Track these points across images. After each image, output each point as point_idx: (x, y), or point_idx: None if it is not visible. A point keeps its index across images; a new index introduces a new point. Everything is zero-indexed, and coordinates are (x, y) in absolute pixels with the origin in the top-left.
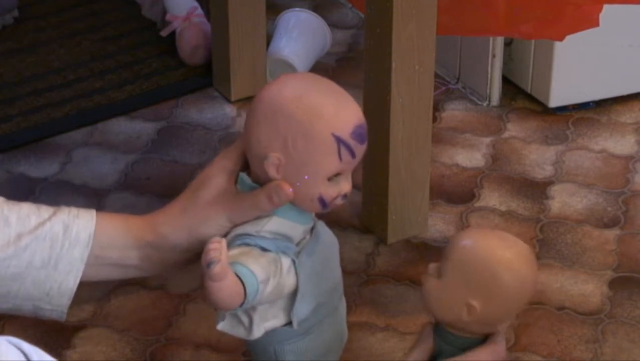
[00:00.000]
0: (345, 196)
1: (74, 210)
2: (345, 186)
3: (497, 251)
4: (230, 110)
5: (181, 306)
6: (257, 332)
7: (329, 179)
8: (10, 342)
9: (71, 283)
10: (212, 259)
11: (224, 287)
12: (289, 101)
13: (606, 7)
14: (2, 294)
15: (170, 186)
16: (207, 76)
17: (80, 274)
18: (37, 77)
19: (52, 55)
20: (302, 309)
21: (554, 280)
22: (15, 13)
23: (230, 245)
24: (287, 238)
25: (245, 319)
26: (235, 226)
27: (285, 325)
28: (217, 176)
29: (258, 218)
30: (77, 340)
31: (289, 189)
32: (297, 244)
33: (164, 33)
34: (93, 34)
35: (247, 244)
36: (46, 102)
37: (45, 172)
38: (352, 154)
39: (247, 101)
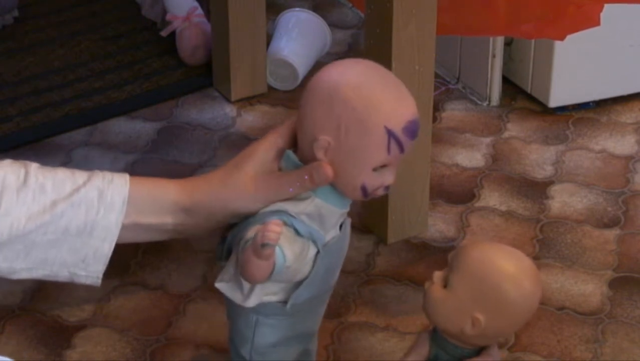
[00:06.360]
0: (387, 187)
1: (107, 175)
2: (389, 177)
3: (505, 267)
4: (230, 110)
5: (181, 306)
6: (253, 302)
7: (374, 169)
8: None
9: (106, 249)
10: (270, 241)
11: (264, 266)
12: (348, 87)
13: (606, 7)
14: (40, 260)
15: None
16: (207, 76)
17: (115, 240)
18: (37, 77)
19: (52, 55)
20: (302, 295)
21: (554, 280)
22: (15, 13)
23: (265, 218)
24: (323, 221)
25: (246, 286)
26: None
27: (279, 302)
28: (265, 151)
29: (299, 198)
30: (77, 340)
31: (329, 171)
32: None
33: (164, 33)
34: (93, 34)
35: (284, 222)
36: (46, 102)
37: None
38: (401, 148)
39: (247, 100)
